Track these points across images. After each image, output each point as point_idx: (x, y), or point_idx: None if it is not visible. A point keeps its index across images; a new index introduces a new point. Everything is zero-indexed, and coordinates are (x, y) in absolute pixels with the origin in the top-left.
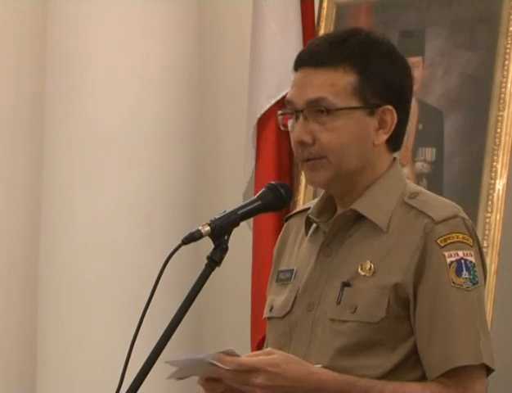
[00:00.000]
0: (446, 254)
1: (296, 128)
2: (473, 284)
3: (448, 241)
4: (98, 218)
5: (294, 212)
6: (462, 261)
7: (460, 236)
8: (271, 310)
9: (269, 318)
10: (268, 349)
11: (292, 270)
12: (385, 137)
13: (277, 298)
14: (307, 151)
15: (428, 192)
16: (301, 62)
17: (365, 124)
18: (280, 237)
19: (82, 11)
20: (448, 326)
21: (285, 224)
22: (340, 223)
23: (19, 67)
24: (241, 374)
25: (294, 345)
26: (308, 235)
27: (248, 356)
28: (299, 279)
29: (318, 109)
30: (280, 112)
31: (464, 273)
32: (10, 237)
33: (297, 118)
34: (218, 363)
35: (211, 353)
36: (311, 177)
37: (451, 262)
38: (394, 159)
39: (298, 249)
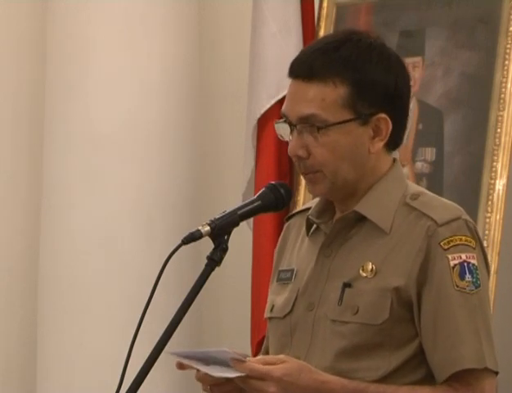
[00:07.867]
0: (449, 257)
1: (291, 142)
2: (476, 287)
3: (451, 244)
4: (98, 218)
5: (294, 212)
6: (465, 264)
7: (463, 238)
8: (271, 310)
9: (270, 319)
10: (282, 356)
11: (292, 270)
12: (381, 144)
13: (278, 298)
14: (304, 165)
15: (430, 193)
16: (293, 72)
17: (358, 134)
18: (281, 236)
19: (82, 11)
20: (452, 329)
21: (286, 224)
22: (342, 224)
23: (19, 67)
24: (254, 381)
25: (295, 345)
26: (309, 235)
27: (259, 360)
28: (300, 279)
29: (310, 125)
30: (276, 122)
31: (467, 276)
32: (10, 237)
33: (292, 131)
34: (232, 373)
35: (221, 349)
36: (310, 189)
37: (455, 265)
38: (394, 159)
39: (298, 248)
